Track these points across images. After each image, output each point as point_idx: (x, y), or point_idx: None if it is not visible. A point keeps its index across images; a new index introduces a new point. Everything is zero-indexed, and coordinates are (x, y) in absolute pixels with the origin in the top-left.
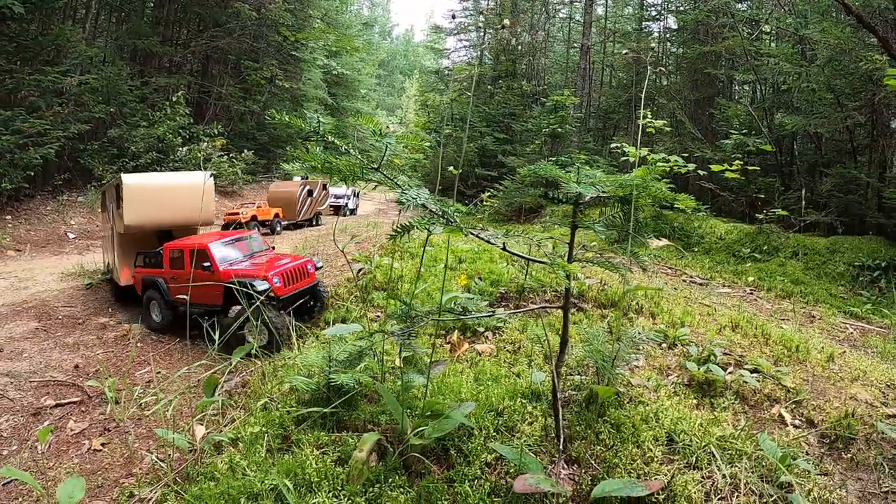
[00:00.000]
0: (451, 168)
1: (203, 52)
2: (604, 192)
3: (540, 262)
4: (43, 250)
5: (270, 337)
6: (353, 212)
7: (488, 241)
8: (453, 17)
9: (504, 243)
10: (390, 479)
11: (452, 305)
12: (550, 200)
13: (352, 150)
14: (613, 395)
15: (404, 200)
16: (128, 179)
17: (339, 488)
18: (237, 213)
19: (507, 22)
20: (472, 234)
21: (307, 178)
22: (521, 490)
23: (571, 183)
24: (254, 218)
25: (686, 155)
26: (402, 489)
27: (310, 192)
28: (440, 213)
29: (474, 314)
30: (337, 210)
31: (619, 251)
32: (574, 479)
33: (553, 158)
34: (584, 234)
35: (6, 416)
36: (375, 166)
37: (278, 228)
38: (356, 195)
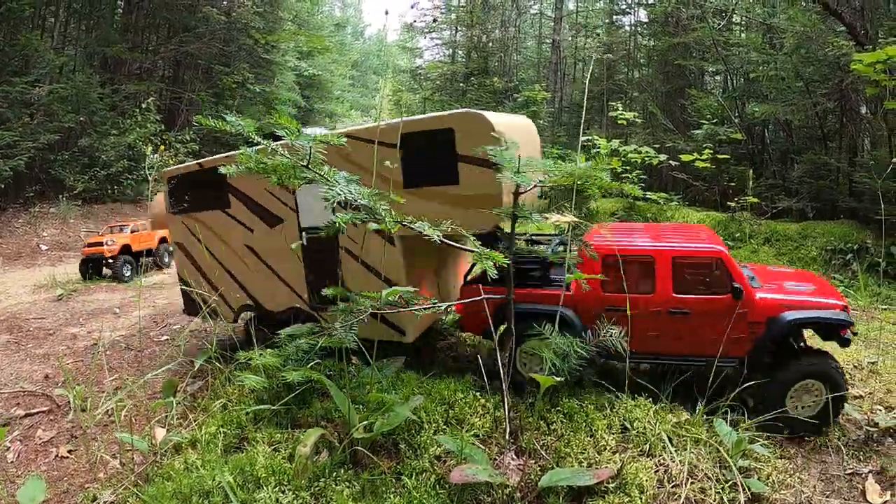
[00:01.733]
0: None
1: (173, 57)
2: (550, 181)
3: (471, 250)
4: (15, 263)
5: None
6: None
7: (421, 233)
8: (434, 20)
9: (439, 235)
10: (335, 474)
11: (392, 299)
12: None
13: (281, 150)
14: (550, 383)
15: (329, 197)
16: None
17: (286, 483)
18: (100, 245)
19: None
20: (404, 225)
21: None
22: (458, 481)
23: (509, 173)
24: (126, 249)
25: (658, 146)
26: (347, 483)
27: None
28: (369, 208)
29: (419, 307)
30: None
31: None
32: (522, 469)
33: None
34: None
35: None
36: (305, 163)
37: (167, 260)
38: None
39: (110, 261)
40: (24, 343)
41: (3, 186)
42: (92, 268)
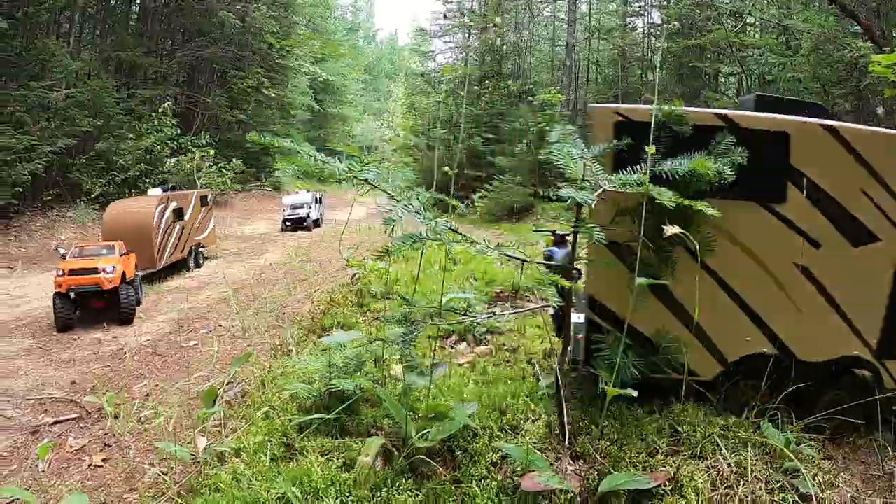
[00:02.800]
0: (445, 169)
1: (188, 62)
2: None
3: (524, 260)
4: (34, 267)
5: None
6: (316, 223)
7: (483, 254)
8: (444, 16)
9: (500, 252)
10: (397, 483)
11: (454, 306)
12: (542, 199)
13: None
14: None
15: (391, 218)
16: None
17: (347, 493)
18: (94, 272)
19: (498, 20)
20: (462, 245)
21: (176, 188)
22: (530, 488)
23: (574, 193)
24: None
25: None
26: (409, 492)
27: (178, 214)
28: (430, 230)
29: (477, 315)
30: (296, 225)
31: None
32: (580, 474)
33: (542, 157)
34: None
35: (4, 434)
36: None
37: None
38: (319, 201)
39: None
40: (48, 347)
41: (21, 190)
42: (77, 305)
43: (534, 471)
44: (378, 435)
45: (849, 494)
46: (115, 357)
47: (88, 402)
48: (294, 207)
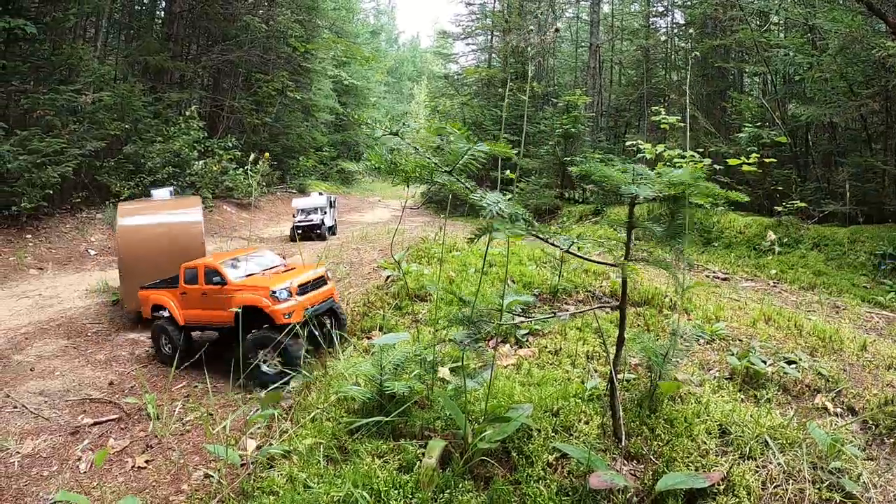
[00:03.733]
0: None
1: (214, 66)
2: (655, 191)
3: (602, 262)
4: (65, 268)
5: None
6: (332, 231)
7: (550, 243)
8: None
9: (569, 248)
10: (459, 485)
11: (513, 308)
12: (567, 201)
13: (420, 150)
14: (677, 389)
15: (485, 205)
16: None
17: (410, 496)
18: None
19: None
20: (537, 237)
21: (177, 192)
22: (597, 486)
23: (629, 184)
24: None
25: (701, 150)
26: (471, 493)
27: None
28: (515, 217)
29: (537, 316)
30: (308, 232)
31: (664, 249)
32: (635, 474)
33: (567, 158)
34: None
35: (44, 435)
36: (448, 169)
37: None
38: (332, 205)
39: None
40: (84, 348)
41: (50, 192)
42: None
43: (596, 470)
44: (433, 437)
45: (892, 493)
46: (152, 358)
47: (128, 403)
48: (307, 212)
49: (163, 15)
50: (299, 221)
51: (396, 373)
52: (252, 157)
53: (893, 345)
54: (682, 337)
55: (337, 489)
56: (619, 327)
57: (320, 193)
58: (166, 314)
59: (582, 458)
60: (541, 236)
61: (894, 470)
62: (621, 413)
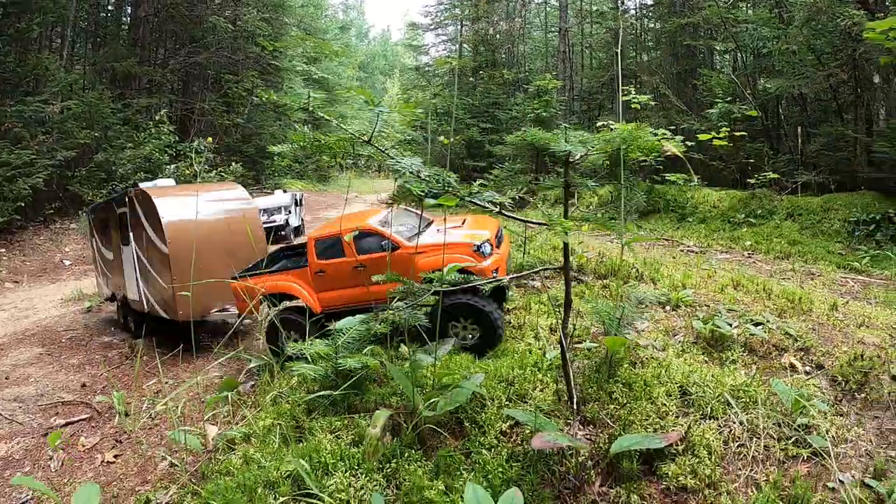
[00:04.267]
0: (441, 138)
1: (182, 69)
2: (591, 149)
3: (537, 223)
4: (40, 279)
5: None
6: (298, 231)
7: (483, 206)
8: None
9: (500, 205)
10: (406, 454)
11: (452, 278)
12: (541, 186)
13: (339, 124)
14: (623, 346)
15: (399, 168)
16: None
17: (356, 467)
18: None
19: None
20: (469, 201)
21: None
22: (540, 446)
23: (561, 142)
24: None
25: (673, 128)
26: (418, 462)
27: None
28: (439, 180)
29: (478, 281)
30: (273, 234)
31: (612, 212)
32: (591, 438)
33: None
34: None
35: (17, 439)
36: (366, 138)
37: None
38: (299, 203)
39: None
40: (58, 354)
41: (23, 205)
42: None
43: (543, 431)
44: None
45: (863, 447)
46: (125, 360)
47: (99, 403)
48: (269, 212)
49: (129, 20)
50: (262, 223)
51: (351, 351)
52: (196, 142)
53: (866, 306)
54: (637, 300)
55: (286, 464)
56: (566, 291)
57: (284, 191)
58: (284, 304)
59: (530, 423)
60: (476, 202)
61: (865, 425)
62: (572, 377)
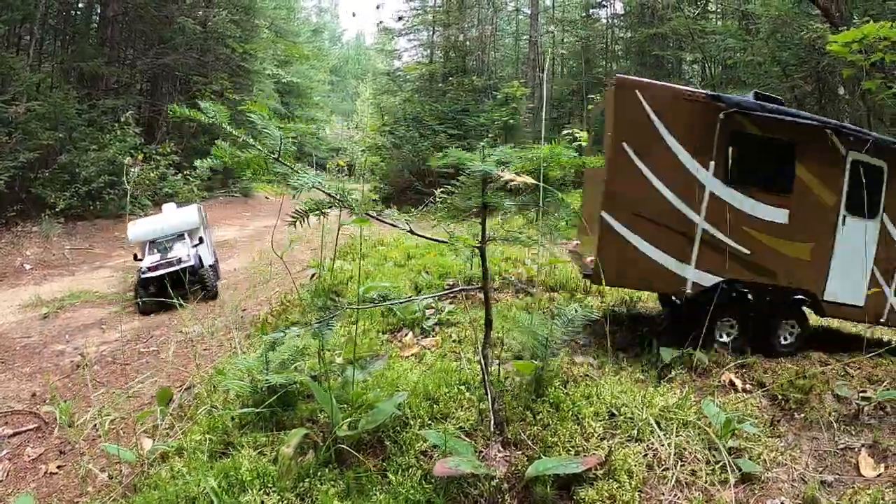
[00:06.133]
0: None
1: (150, 70)
2: (509, 168)
3: (440, 241)
4: (0, 283)
5: None
6: (213, 272)
7: (394, 225)
8: (400, 18)
9: (410, 226)
10: (319, 473)
11: (373, 295)
12: (455, 203)
13: (253, 142)
14: (534, 371)
15: (295, 185)
16: None
17: (271, 486)
18: None
19: None
20: (373, 218)
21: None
22: (441, 473)
23: (475, 162)
24: None
25: None
26: (332, 482)
27: None
28: (337, 198)
29: (393, 301)
30: (166, 284)
31: (535, 228)
32: (508, 460)
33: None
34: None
35: None
36: (276, 156)
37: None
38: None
39: None
40: (11, 362)
41: None
42: None
43: (451, 457)
44: (312, 428)
45: (797, 471)
46: (76, 367)
47: (46, 412)
48: (160, 248)
49: (98, 19)
50: (150, 266)
51: (284, 365)
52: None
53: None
54: (569, 319)
55: (208, 481)
56: (486, 310)
57: (178, 205)
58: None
59: (441, 444)
60: (381, 219)
61: (803, 446)
62: (495, 396)
